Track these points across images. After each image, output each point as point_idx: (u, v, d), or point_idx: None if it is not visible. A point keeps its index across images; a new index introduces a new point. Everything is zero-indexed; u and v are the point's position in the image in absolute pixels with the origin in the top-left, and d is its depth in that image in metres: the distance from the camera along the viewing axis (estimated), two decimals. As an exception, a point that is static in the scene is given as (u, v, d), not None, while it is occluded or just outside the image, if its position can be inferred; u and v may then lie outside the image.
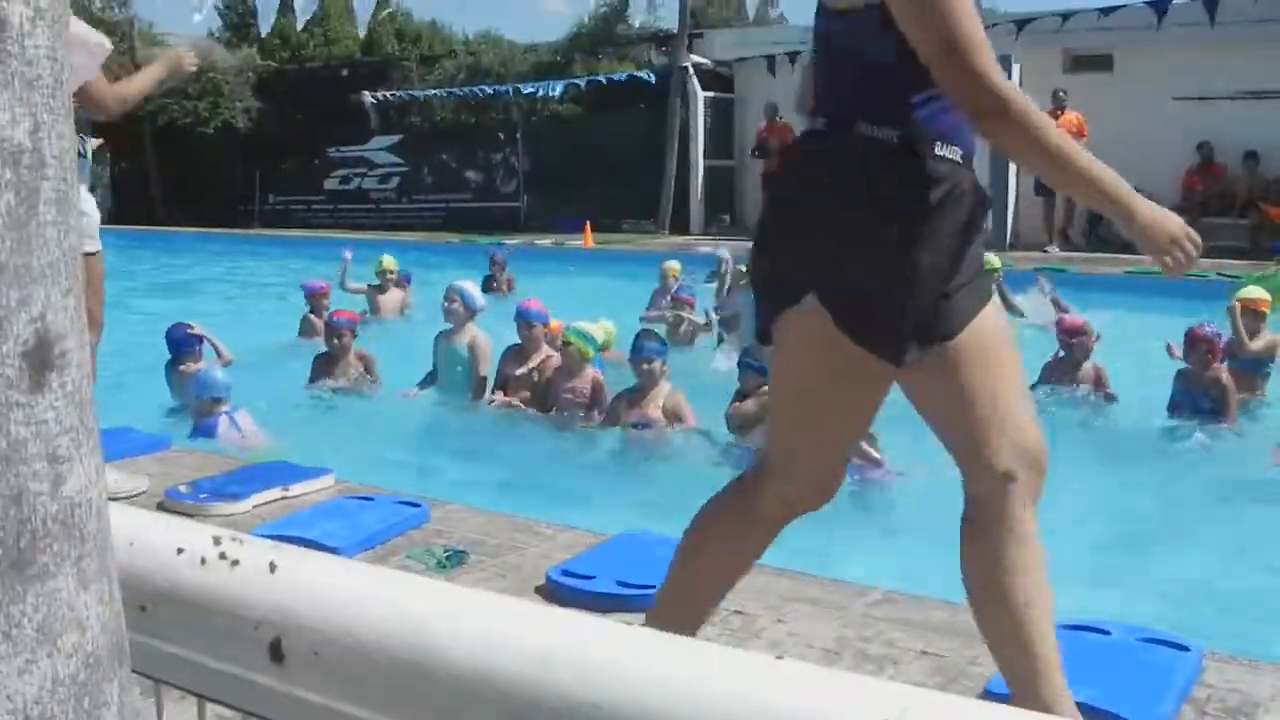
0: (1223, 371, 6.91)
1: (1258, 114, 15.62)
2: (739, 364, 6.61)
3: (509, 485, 5.92)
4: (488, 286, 12.03)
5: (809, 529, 5.26)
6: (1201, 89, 15.88)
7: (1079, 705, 2.82)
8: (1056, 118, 15.86)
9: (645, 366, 6.62)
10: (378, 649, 1.14)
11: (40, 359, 0.96)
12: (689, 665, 1.02)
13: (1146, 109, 15.89)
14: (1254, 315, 7.58)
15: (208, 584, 1.29)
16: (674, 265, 11.24)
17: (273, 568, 1.26)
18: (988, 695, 2.94)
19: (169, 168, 26.79)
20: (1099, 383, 7.46)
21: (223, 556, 1.30)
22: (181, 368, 7.38)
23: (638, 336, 6.95)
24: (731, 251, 11.82)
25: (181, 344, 7.40)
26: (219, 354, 7.56)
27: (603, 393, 6.91)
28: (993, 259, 10.51)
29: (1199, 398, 6.88)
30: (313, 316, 9.78)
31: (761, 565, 4.00)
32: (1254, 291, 7.81)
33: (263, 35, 23.34)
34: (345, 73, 26.68)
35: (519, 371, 7.29)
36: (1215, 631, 3.65)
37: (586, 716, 1.01)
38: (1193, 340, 6.94)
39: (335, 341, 7.89)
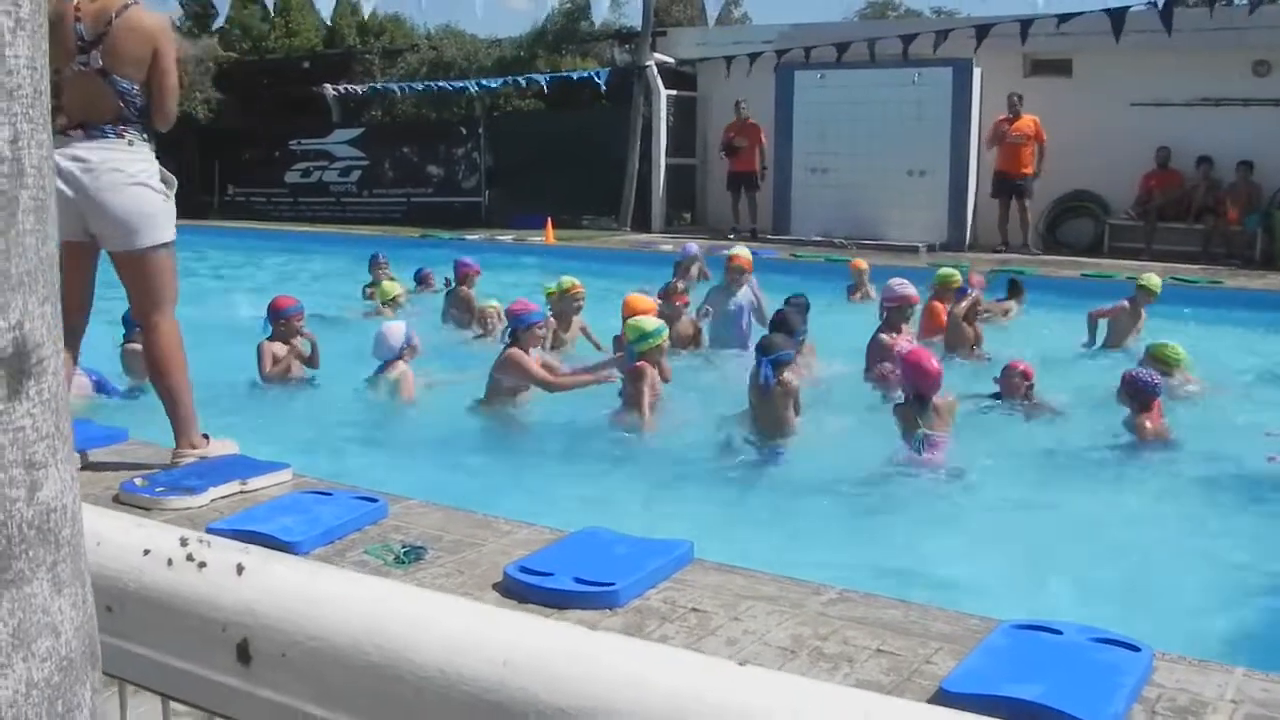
0: (1160, 423, 6.66)
1: (1213, 121, 15.83)
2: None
3: (468, 481, 5.92)
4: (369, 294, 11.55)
5: (765, 527, 5.33)
6: (1158, 95, 16.07)
7: (1032, 704, 2.88)
8: (1012, 122, 16.05)
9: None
10: (346, 651, 1.15)
11: (18, 367, 0.96)
12: (652, 669, 1.04)
13: (1105, 114, 16.05)
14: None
15: (175, 585, 1.30)
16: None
17: (240, 570, 1.28)
18: (942, 694, 2.98)
19: (127, 158, 26.38)
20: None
21: (190, 558, 1.31)
22: (130, 345, 7.58)
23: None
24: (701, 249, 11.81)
25: (131, 324, 7.45)
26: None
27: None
28: (1154, 279, 10.08)
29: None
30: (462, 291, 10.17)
31: (718, 563, 4.05)
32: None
33: (216, 26, 23.00)
34: (307, 65, 26.44)
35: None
36: (1166, 632, 3.71)
37: (550, 718, 1.03)
38: (1123, 383, 6.76)
39: (282, 328, 7.87)
